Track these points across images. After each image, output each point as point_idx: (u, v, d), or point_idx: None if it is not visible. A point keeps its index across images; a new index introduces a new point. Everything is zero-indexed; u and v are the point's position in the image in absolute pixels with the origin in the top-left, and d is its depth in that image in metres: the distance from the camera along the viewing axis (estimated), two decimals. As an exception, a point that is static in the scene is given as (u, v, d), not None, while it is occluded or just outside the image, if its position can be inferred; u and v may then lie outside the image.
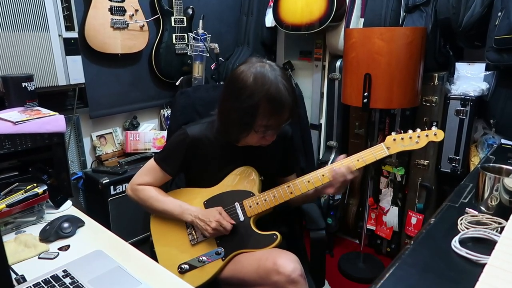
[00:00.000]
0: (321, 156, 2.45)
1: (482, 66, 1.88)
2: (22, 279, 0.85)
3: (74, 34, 1.78)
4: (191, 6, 2.25)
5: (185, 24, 2.25)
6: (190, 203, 1.23)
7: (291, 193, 1.17)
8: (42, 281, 0.83)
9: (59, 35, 1.71)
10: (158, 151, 1.51)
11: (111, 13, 1.93)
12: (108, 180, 1.89)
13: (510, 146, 1.60)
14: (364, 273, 2.13)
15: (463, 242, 0.81)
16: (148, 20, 2.09)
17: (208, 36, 2.15)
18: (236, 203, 1.20)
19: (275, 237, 1.15)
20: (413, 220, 2.12)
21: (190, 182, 1.31)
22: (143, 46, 2.10)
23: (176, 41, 2.24)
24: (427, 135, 1.13)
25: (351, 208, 2.41)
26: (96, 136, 2.12)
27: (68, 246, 1.01)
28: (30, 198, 1.08)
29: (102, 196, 1.89)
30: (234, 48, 2.59)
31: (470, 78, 1.90)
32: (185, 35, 2.27)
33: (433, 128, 1.13)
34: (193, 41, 2.14)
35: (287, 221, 1.40)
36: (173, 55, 2.25)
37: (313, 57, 2.41)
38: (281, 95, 1.03)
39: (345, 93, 1.87)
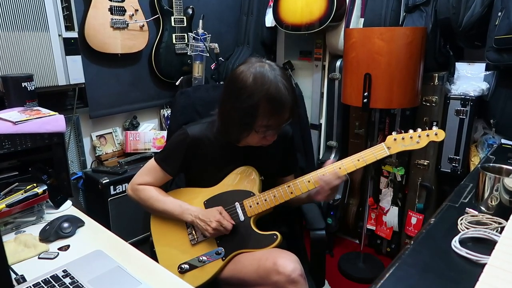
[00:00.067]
0: (321, 156, 2.45)
1: (482, 66, 1.88)
2: (22, 279, 0.85)
3: (74, 34, 1.78)
4: (191, 6, 2.25)
5: (185, 24, 2.25)
6: (190, 203, 1.23)
7: (291, 193, 1.17)
8: (42, 281, 0.83)
9: (59, 35, 1.71)
10: (158, 151, 1.51)
11: (111, 13, 1.93)
12: (108, 180, 1.89)
13: (510, 146, 1.60)
14: (364, 273, 2.13)
15: (463, 242, 0.81)
16: (148, 20, 2.08)
17: (208, 36, 2.15)
18: (236, 203, 1.20)
19: (275, 237, 1.15)
20: (413, 220, 2.12)
21: (190, 182, 1.31)
22: (143, 46, 2.10)
23: (176, 41, 2.24)
24: (428, 135, 1.13)
25: (351, 208, 2.41)
26: (96, 136, 2.12)
27: (68, 246, 1.01)
28: (30, 198, 1.08)
29: (102, 196, 1.88)
30: (234, 48, 2.59)
31: (470, 78, 1.90)
32: (185, 35, 2.27)
33: (434, 128, 1.13)
34: (193, 41, 2.14)
35: (287, 221, 1.40)
36: (173, 55, 2.25)
37: (313, 57, 2.41)
38: (281, 95, 1.03)
39: (345, 93, 1.87)
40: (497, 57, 1.66)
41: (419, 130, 1.14)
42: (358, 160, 1.14)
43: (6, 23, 1.54)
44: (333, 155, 2.40)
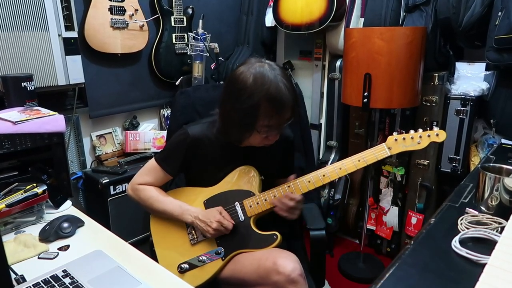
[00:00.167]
0: (321, 156, 2.45)
1: (482, 66, 1.88)
2: (21, 279, 0.85)
3: (74, 34, 1.78)
4: (191, 6, 2.25)
5: (185, 24, 2.25)
6: (190, 202, 1.23)
7: (291, 193, 1.17)
8: (41, 281, 0.83)
9: (59, 35, 1.71)
10: (158, 151, 1.51)
11: (111, 13, 1.93)
12: (107, 180, 1.89)
13: (510, 146, 1.59)
14: (364, 273, 2.13)
15: (463, 242, 0.81)
16: (148, 20, 2.08)
17: (208, 36, 2.15)
18: (236, 202, 1.20)
19: (275, 237, 1.15)
20: (413, 220, 2.12)
21: (190, 182, 1.31)
22: (143, 46, 2.10)
23: (176, 41, 2.24)
24: (429, 136, 1.13)
25: (351, 208, 2.41)
26: (96, 136, 2.12)
27: (68, 246, 1.01)
28: (29, 198, 1.08)
29: (102, 196, 1.88)
30: (234, 47, 2.59)
31: (470, 78, 1.90)
32: (185, 34, 2.27)
33: (435, 129, 1.13)
34: (193, 40, 2.14)
35: (287, 221, 1.40)
36: (173, 55, 2.25)
37: (313, 57, 2.41)
38: (281, 94, 1.03)
39: (345, 93, 1.87)
40: (497, 57, 1.66)
41: (420, 130, 1.14)
42: (359, 160, 1.14)
43: (6, 23, 1.53)
44: (333, 155, 2.40)
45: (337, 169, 1.15)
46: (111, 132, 2.18)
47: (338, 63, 2.25)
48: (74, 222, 1.09)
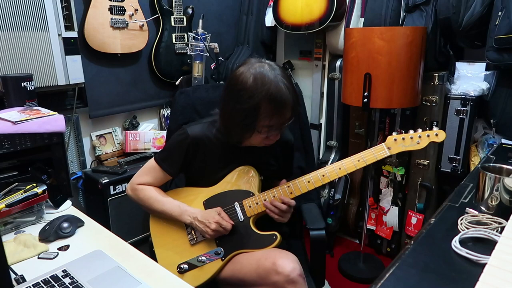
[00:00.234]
0: (321, 156, 2.45)
1: (482, 65, 1.88)
2: (21, 279, 0.85)
3: (74, 34, 1.78)
4: (190, 6, 2.25)
5: (184, 24, 2.25)
6: (190, 203, 1.22)
7: (291, 193, 1.17)
8: (41, 281, 0.83)
9: (59, 35, 1.71)
10: (158, 151, 1.50)
11: (111, 13, 1.93)
12: (107, 180, 1.89)
13: (510, 146, 1.59)
14: (364, 273, 2.13)
15: (463, 242, 0.81)
16: (147, 20, 2.08)
17: (208, 36, 2.15)
18: (236, 203, 1.20)
19: (274, 237, 1.15)
20: (413, 220, 2.12)
21: (190, 182, 1.31)
22: (143, 46, 2.10)
23: (176, 41, 2.24)
24: (428, 136, 1.12)
25: (351, 208, 2.41)
26: (96, 136, 2.12)
27: (68, 246, 1.01)
28: (29, 198, 1.08)
29: (102, 196, 1.88)
30: (234, 47, 2.59)
31: (471, 78, 1.90)
32: (185, 34, 2.27)
33: (435, 129, 1.12)
34: (193, 40, 2.14)
35: (287, 221, 1.40)
36: (173, 55, 2.25)
37: (313, 57, 2.41)
38: (281, 94, 1.03)
39: (345, 93, 1.87)
40: (497, 57, 1.66)
41: (420, 130, 1.14)
42: (358, 160, 1.14)
43: (6, 23, 1.53)
44: (333, 155, 2.40)
45: (337, 169, 1.15)
46: (111, 132, 2.18)
47: (338, 63, 2.25)
48: (74, 222, 1.09)
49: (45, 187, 1.11)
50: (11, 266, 0.91)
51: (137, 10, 2.03)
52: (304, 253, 1.40)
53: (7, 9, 1.53)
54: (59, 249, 0.99)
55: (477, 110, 1.87)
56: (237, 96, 1.06)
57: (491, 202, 0.93)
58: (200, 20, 2.15)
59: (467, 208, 0.97)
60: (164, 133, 2.19)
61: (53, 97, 1.86)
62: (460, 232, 0.85)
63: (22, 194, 1.07)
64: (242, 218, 1.19)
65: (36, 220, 1.13)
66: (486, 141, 1.85)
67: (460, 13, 1.74)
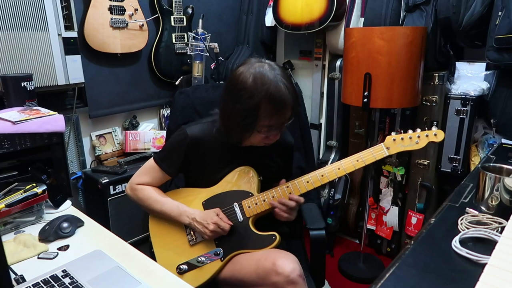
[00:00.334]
0: (321, 156, 2.45)
1: (482, 65, 1.88)
2: (21, 279, 0.85)
3: (74, 34, 1.78)
4: (190, 6, 2.25)
5: (184, 24, 2.25)
6: (189, 203, 1.22)
7: (290, 193, 1.17)
8: (41, 281, 0.83)
9: (59, 35, 1.71)
10: (158, 150, 1.50)
11: (111, 13, 1.93)
12: (107, 180, 1.89)
13: (510, 146, 1.59)
14: (364, 273, 2.12)
15: (463, 242, 0.81)
16: (147, 20, 2.08)
17: (208, 36, 2.15)
18: (235, 203, 1.20)
19: (274, 237, 1.15)
20: (413, 220, 2.12)
21: (189, 182, 1.31)
22: (143, 46, 2.10)
23: (175, 41, 2.24)
24: (427, 135, 1.12)
25: (351, 208, 2.41)
26: (96, 136, 2.12)
27: (68, 246, 1.00)
28: (29, 198, 1.08)
29: (102, 196, 1.88)
30: (234, 47, 2.59)
31: (471, 78, 1.90)
32: (185, 34, 2.26)
33: (433, 128, 1.12)
34: (193, 40, 2.13)
35: (287, 221, 1.40)
36: (173, 55, 2.25)
37: (313, 57, 2.41)
38: (281, 94, 1.03)
39: (345, 93, 1.87)
40: (498, 56, 1.66)
41: (418, 130, 1.14)
42: (357, 160, 1.14)
43: (5, 23, 1.53)
44: (333, 155, 2.40)
45: (336, 169, 1.15)
46: (110, 132, 2.18)
47: (338, 62, 2.25)
48: (74, 222, 1.09)
49: (45, 187, 1.11)
50: (11, 266, 0.91)
51: (137, 10, 2.03)
52: (304, 253, 1.40)
53: (7, 9, 1.53)
54: (59, 249, 0.99)
55: (477, 110, 1.87)
56: (237, 96, 1.06)
57: (491, 202, 0.92)
58: (200, 20, 2.14)
59: (467, 208, 0.97)
60: (164, 133, 2.19)
61: (53, 97, 1.86)
62: (460, 232, 0.85)
63: (22, 194, 1.07)
64: (241, 219, 1.18)
65: (36, 220, 1.12)
66: (486, 141, 1.85)
67: (460, 13, 1.74)
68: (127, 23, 1.99)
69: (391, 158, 2.13)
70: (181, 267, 1.19)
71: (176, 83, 2.27)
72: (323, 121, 2.42)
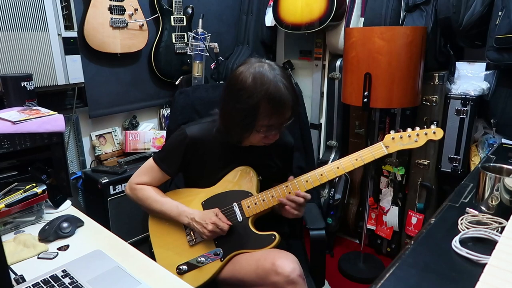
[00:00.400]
0: (321, 156, 2.45)
1: (482, 65, 1.88)
2: (21, 279, 0.85)
3: (74, 34, 1.78)
4: (190, 5, 2.25)
5: (184, 24, 2.25)
6: (189, 203, 1.22)
7: (289, 193, 1.17)
8: (41, 281, 0.83)
9: (58, 35, 1.71)
10: (157, 150, 1.50)
11: (111, 12, 1.93)
12: (107, 180, 1.89)
13: (510, 146, 1.59)
14: (364, 273, 2.12)
15: (463, 242, 0.81)
16: (147, 20, 2.08)
17: (208, 36, 2.15)
18: (234, 203, 1.20)
19: (273, 237, 1.15)
20: (414, 220, 2.12)
21: (189, 182, 1.31)
22: (143, 46, 2.10)
23: (175, 41, 2.24)
24: (426, 134, 1.12)
25: (351, 208, 2.41)
26: (96, 136, 2.12)
27: (68, 246, 1.00)
28: (29, 198, 1.07)
29: (102, 196, 1.88)
30: (234, 47, 2.59)
31: (471, 78, 1.90)
32: (185, 34, 2.26)
33: (432, 127, 1.12)
34: (193, 40, 2.13)
35: (287, 221, 1.40)
36: (173, 55, 2.25)
37: (313, 57, 2.41)
38: (281, 94, 1.03)
39: (345, 93, 1.87)
40: (498, 56, 1.66)
41: (417, 128, 1.14)
42: (356, 159, 1.14)
43: (5, 23, 1.53)
44: (333, 155, 2.40)
45: (335, 168, 1.14)
46: (110, 132, 2.18)
47: (338, 62, 2.25)
48: (74, 222, 1.08)
49: (44, 187, 1.11)
50: (11, 266, 0.91)
51: (137, 9, 2.03)
52: (304, 253, 1.40)
53: (7, 9, 1.53)
54: (59, 249, 0.99)
55: (477, 110, 1.87)
56: (237, 96, 1.06)
57: (491, 202, 0.92)
58: (200, 20, 2.14)
59: (467, 208, 0.97)
60: (164, 133, 2.19)
61: (53, 97, 1.86)
62: (460, 232, 0.85)
63: (21, 194, 1.07)
64: (241, 219, 1.18)
65: (35, 220, 1.12)
66: (486, 141, 1.85)
67: (460, 13, 1.74)
68: (127, 23, 1.99)
69: (391, 158, 2.13)
70: (181, 267, 1.19)
71: (176, 83, 2.27)
72: (323, 121, 2.42)
